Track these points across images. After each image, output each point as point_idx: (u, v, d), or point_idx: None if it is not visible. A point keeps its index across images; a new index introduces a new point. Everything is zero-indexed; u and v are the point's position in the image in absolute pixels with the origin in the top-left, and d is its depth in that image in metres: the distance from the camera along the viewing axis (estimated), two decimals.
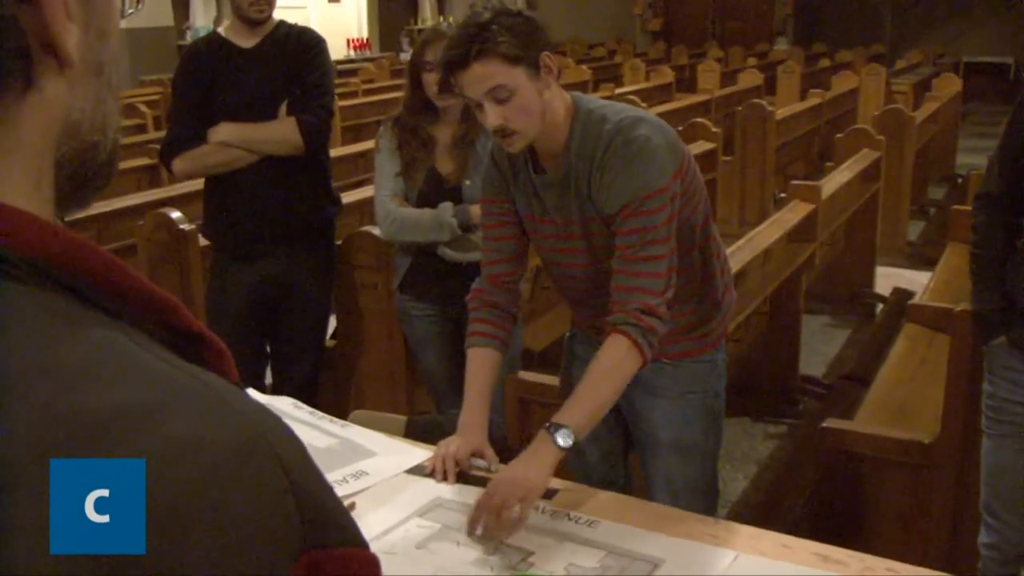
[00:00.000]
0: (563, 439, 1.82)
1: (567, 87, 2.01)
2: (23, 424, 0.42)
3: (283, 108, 3.12)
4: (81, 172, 0.57)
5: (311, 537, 0.48)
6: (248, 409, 0.49)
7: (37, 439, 0.42)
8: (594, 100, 2.05)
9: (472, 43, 1.83)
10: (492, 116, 1.87)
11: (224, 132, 3.11)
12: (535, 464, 1.81)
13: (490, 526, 1.73)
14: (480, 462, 1.97)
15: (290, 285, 3.25)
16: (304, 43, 3.19)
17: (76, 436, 0.43)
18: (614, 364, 1.89)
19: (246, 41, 3.16)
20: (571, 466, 2.32)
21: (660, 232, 1.91)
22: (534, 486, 1.78)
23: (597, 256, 2.04)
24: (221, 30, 3.28)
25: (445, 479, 1.93)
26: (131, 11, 0.64)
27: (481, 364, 2.09)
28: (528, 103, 1.88)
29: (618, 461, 2.38)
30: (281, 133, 3.11)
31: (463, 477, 1.94)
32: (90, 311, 0.49)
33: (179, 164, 3.17)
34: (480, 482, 1.91)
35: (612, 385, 1.91)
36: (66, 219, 0.58)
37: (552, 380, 2.55)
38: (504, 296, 2.15)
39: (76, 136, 0.56)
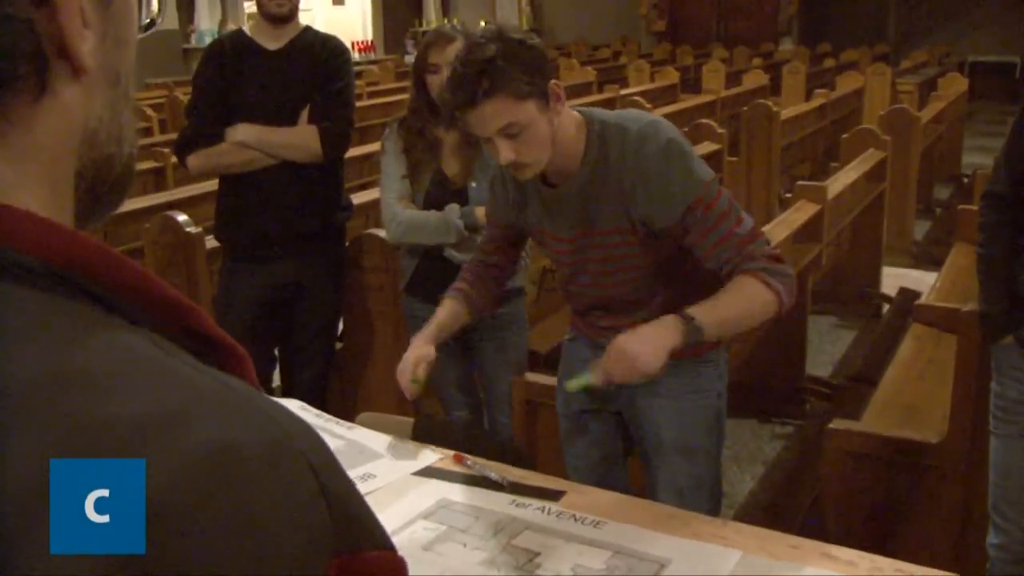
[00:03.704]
0: (688, 336, 1.82)
1: (572, 88, 2.01)
2: (50, 434, 0.42)
3: (304, 114, 3.12)
4: (98, 184, 0.57)
5: (342, 540, 0.48)
6: (275, 412, 0.49)
7: (64, 449, 0.42)
8: (603, 112, 2.06)
9: (479, 82, 1.80)
10: (504, 151, 1.86)
11: (243, 133, 3.11)
12: (660, 345, 1.81)
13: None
14: (494, 475, 1.96)
15: (301, 289, 3.25)
16: (330, 51, 3.20)
17: (104, 444, 0.43)
18: (755, 296, 1.88)
19: (272, 43, 3.16)
20: (569, 470, 2.32)
21: (732, 215, 1.93)
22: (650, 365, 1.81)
23: (614, 264, 2.06)
24: (247, 29, 3.28)
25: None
26: (147, 21, 0.63)
27: (443, 307, 2.22)
28: (539, 135, 1.87)
29: (617, 464, 2.37)
30: (301, 139, 3.11)
31: (471, 480, 1.94)
32: (111, 317, 0.49)
33: (194, 160, 3.17)
34: (490, 485, 1.91)
35: (749, 314, 1.91)
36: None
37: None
38: (487, 273, 2.29)
39: (94, 146, 0.56)
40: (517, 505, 1.83)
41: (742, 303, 1.89)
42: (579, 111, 2.02)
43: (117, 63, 0.57)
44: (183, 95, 8.85)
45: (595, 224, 2.01)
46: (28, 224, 0.48)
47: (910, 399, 3.31)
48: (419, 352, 2.08)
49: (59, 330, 0.46)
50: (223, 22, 14.86)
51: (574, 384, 1.86)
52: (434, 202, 2.96)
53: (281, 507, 0.46)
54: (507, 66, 1.80)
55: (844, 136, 6.24)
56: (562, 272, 2.20)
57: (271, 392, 3.08)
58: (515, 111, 1.83)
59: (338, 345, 3.63)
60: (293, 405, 2.31)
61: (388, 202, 3.01)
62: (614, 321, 2.20)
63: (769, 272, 1.88)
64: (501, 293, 2.36)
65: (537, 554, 1.68)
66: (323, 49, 3.19)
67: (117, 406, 0.44)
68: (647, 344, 1.80)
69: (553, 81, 1.89)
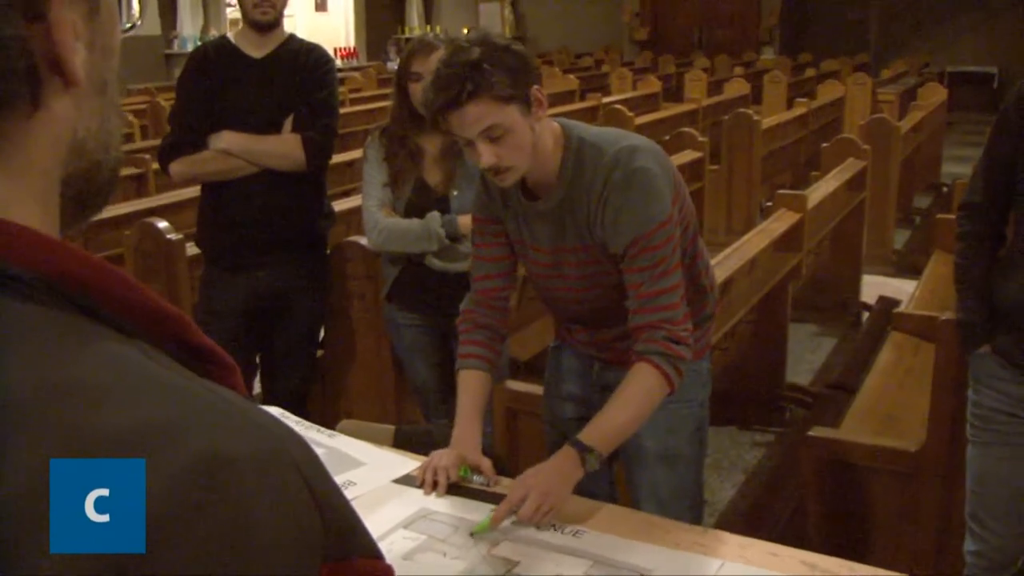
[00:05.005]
0: (589, 465, 1.86)
1: (554, 96, 2.01)
2: (45, 445, 0.43)
3: (288, 123, 3.12)
4: (84, 191, 0.58)
5: (333, 548, 0.49)
6: (267, 422, 0.50)
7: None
8: (584, 127, 2.04)
9: (464, 84, 1.79)
10: (486, 155, 1.85)
11: (226, 140, 3.10)
12: (563, 483, 1.84)
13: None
14: (479, 477, 1.97)
15: (283, 297, 3.24)
16: (314, 60, 3.19)
17: (99, 455, 0.43)
18: (644, 394, 1.91)
19: (256, 50, 3.15)
20: None
21: (670, 263, 1.93)
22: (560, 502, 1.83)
23: (588, 281, 2.06)
24: (231, 36, 3.26)
25: (434, 490, 1.93)
26: (128, 25, 0.64)
27: (472, 384, 2.10)
28: (521, 140, 1.86)
29: (602, 473, 2.37)
30: (285, 148, 3.10)
31: (452, 489, 1.94)
32: (103, 328, 0.49)
33: (177, 168, 3.15)
34: (474, 495, 1.91)
35: (640, 414, 1.93)
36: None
37: (540, 390, 2.55)
38: (494, 316, 2.16)
39: (82, 155, 0.56)
40: None
41: (635, 406, 1.92)
42: (560, 124, 2.01)
43: (104, 71, 0.57)
44: (165, 101, 8.82)
45: (569, 241, 2.01)
46: (20, 238, 0.49)
47: (889, 407, 3.33)
48: (458, 458, 1.98)
49: (53, 342, 0.47)
50: (205, 28, 14.81)
51: (478, 528, 1.78)
52: (416, 210, 2.96)
53: (274, 516, 0.46)
54: (491, 69, 1.80)
55: (825, 145, 6.28)
56: (539, 284, 2.19)
57: (252, 400, 3.07)
58: (498, 114, 1.83)
59: (319, 353, 3.62)
60: (274, 413, 2.30)
61: (370, 210, 3.01)
62: (592, 335, 2.21)
63: (666, 358, 1.91)
64: (507, 322, 2.24)
65: (516, 563, 1.68)
66: (307, 58, 3.18)
67: (111, 417, 0.44)
68: (553, 481, 1.82)
69: (536, 87, 1.89)
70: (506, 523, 1.79)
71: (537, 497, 1.78)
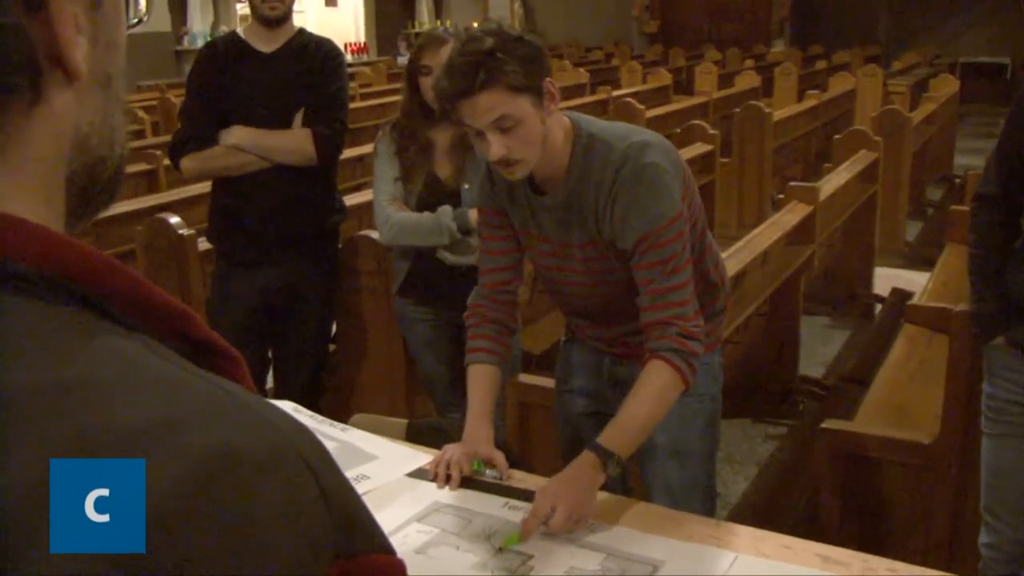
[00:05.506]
0: (610, 469, 1.84)
1: (564, 90, 2.00)
2: (50, 441, 0.42)
3: (298, 118, 3.12)
4: (89, 187, 0.57)
5: (343, 544, 0.48)
6: (274, 417, 0.49)
7: (65, 456, 0.42)
8: (594, 122, 2.02)
9: (477, 72, 1.78)
10: (495, 146, 1.83)
11: (237, 136, 3.10)
12: (589, 490, 1.82)
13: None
14: (492, 471, 1.97)
15: (294, 292, 3.25)
16: (324, 54, 3.20)
17: (104, 451, 0.43)
18: (659, 392, 1.90)
19: (266, 45, 3.16)
20: None
21: (680, 259, 1.92)
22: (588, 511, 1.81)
23: (595, 277, 2.04)
24: (240, 31, 3.27)
25: (447, 484, 1.93)
26: (135, 21, 0.63)
27: (482, 378, 2.09)
28: (531, 132, 1.85)
29: None
30: (296, 143, 3.11)
31: (465, 483, 1.94)
32: (106, 323, 0.49)
33: (188, 163, 3.16)
34: (488, 488, 1.91)
35: (657, 413, 1.91)
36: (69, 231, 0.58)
37: (552, 383, 2.55)
38: (502, 310, 2.15)
39: (85, 150, 0.56)
40: (510, 508, 1.84)
41: (650, 405, 1.90)
42: (570, 118, 1.99)
43: (108, 66, 0.56)
44: (175, 97, 8.83)
45: (576, 236, 2.00)
46: (23, 233, 0.48)
47: (902, 399, 3.32)
48: (471, 453, 1.98)
49: (57, 338, 0.46)
50: (216, 24, 14.82)
51: (507, 542, 1.74)
52: (427, 204, 2.96)
53: (282, 511, 0.46)
54: (505, 58, 1.79)
55: (836, 137, 6.26)
56: (546, 278, 2.18)
57: (264, 394, 3.08)
58: (510, 104, 1.81)
59: (331, 347, 3.63)
60: (286, 407, 2.30)
61: (381, 204, 3.01)
62: (598, 331, 2.20)
63: (679, 354, 1.89)
64: (517, 316, 2.23)
65: (530, 557, 1.68)
66: (317, 52, 3.19)
67: (117, 413, 0.44)
68: (579, 491, 1.79)
69: (548, 80, 1.88)
70: (520, 515, 1.79)
71: (566, 508, 1.75)
